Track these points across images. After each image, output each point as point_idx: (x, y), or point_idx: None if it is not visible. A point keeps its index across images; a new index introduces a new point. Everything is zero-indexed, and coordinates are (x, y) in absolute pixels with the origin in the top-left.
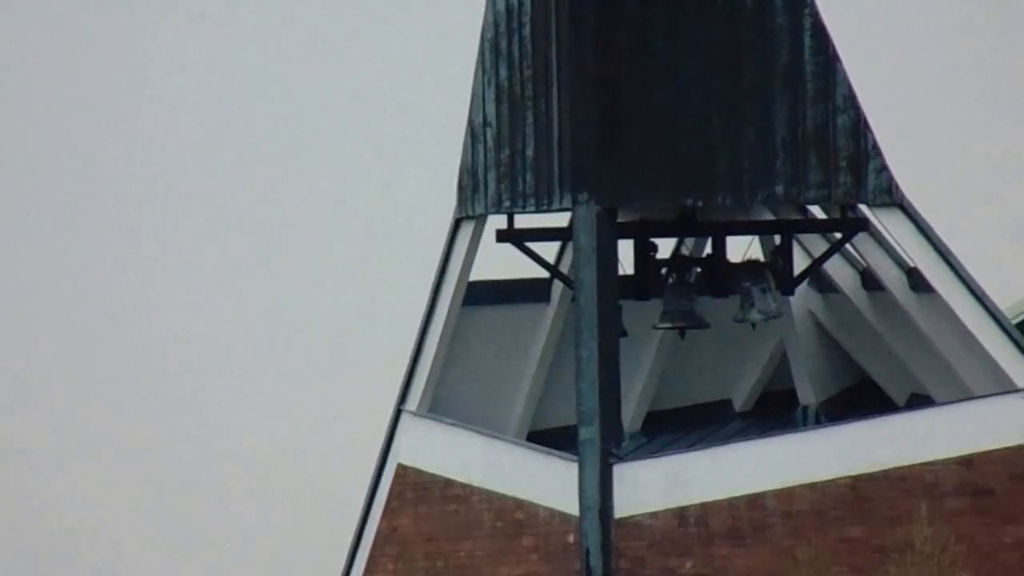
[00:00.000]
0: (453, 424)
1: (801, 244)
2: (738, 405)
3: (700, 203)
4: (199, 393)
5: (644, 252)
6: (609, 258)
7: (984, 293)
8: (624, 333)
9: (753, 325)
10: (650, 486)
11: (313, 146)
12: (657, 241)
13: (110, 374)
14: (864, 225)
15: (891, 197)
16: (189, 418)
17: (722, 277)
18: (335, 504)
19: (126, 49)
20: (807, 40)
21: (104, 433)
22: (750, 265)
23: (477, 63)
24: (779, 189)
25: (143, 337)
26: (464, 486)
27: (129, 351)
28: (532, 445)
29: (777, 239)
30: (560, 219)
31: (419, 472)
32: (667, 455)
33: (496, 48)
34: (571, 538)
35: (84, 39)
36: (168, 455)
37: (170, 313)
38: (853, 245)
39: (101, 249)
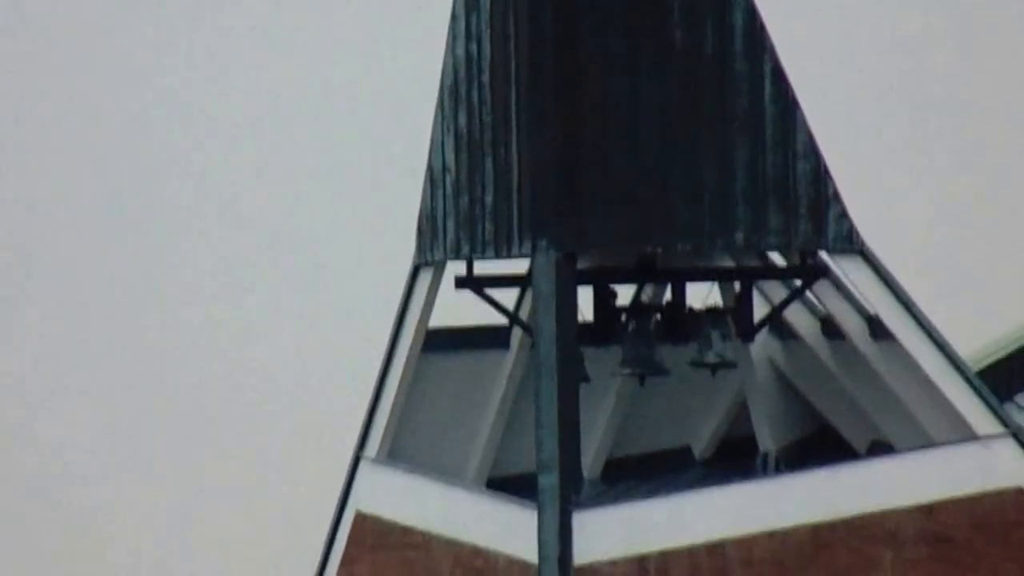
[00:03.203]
0: (412, 471)
1: (761, 291)
2: (698, 452)
3: (660, 250)
4: (156, 428)
5: (604, 299)
6: (569, 305)
7: (945, 341)
8: (586, 379)
9: (712, 371)
10: (610, 534)
11: (270, 189)
12: (617, 288)
13: (82, 379)
14: (824, 272)
15: (851, 244)
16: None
17: (682, 324)
18: (293, 552)
19: (110, 51)
20: (767, 86)
21: (61, 436)
22: (710, 312)
23: (436, 109)
24: (739, 236)
25: (109, 371)
26: (423, 533)
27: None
28: (491, 492)
29: (737, 286)
30: (519, 266)
31: (378, 519)
32: (627, 502)
33: (455, 94)
34: None
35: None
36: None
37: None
38: (813, 292)
39: (76, 253)
